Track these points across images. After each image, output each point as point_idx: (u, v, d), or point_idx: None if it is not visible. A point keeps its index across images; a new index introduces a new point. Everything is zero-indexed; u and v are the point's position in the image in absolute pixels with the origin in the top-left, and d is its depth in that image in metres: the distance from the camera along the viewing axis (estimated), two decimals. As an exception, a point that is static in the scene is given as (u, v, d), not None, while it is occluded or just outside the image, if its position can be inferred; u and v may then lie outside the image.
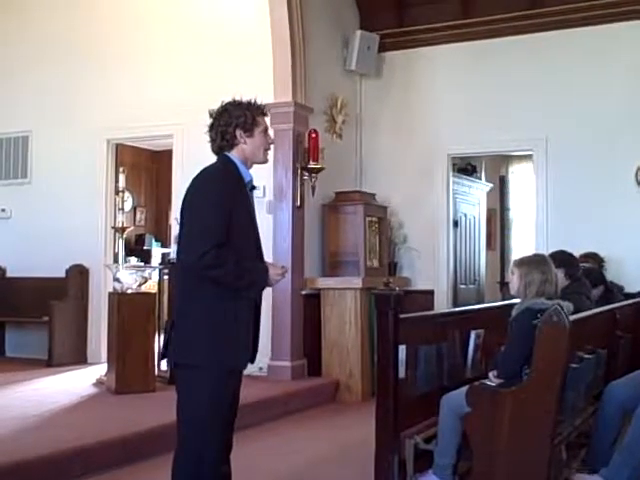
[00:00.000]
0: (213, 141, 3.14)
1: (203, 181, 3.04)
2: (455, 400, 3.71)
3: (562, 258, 4.84)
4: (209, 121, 3.16)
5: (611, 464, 3.81)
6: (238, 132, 3.09)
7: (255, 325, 3.12)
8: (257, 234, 3.15)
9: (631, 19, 7.25)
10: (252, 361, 3.14)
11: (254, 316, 3.10)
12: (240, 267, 2.94)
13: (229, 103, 3.15)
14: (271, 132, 3.28)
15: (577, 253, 5.59)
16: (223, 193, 2.98)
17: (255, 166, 3.28)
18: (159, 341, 6.67)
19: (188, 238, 2.99)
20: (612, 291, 5.88)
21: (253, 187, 3.19)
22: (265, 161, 3.23)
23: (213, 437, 2.96)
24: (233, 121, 3.08)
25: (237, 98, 3.17)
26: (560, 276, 4.64)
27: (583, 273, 5.14)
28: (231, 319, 2.97)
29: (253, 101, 3.17)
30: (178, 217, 3.20)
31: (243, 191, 3.10)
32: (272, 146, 3.33)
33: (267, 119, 3.23)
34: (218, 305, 2.96)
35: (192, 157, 7.08)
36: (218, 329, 2.96)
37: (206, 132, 3.18)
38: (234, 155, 3.11)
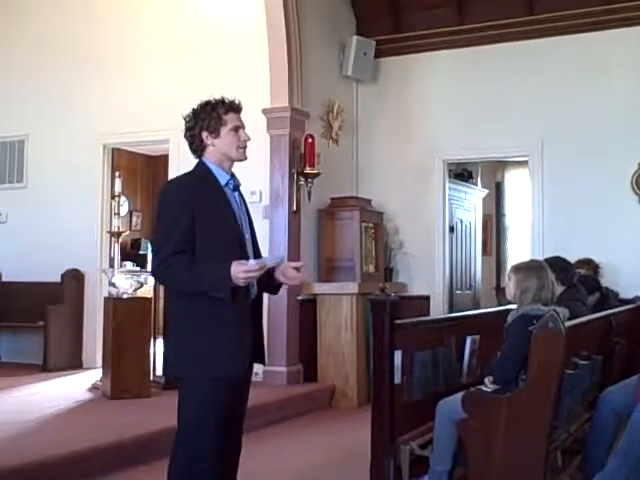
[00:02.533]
0: (189, 146, 3.14)
1: (160, 197, 3.06)
2: (451, 406, 3.71)
3: (557, 264, 4.86)
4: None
5: (606, 469, 3.82)
6: (204, 134, 3.06)
7: (256, 326, 3.10)
8: (240, 233, 3.06)
9: (627, 25, 7.28)
10: (262, 362, 3.16)
11: (253, 317, 3.08)
12: (193, 272, 2.89)
13: (198, 105, 3.12)
14: (249, 130, 3.18)
15: (573, 259, 5.61)
16: (179, 201, 2.96)
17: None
18: (154, 346, 6.67)
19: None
20: (608, 297, 5.89)
21: (236, 187, 3.14)
22: (242, 159, 3.14)
23: (204, 446, 2.92)
24: (198, 124, 3.06)
25: (210, 99, 3.13)
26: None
27: (579, 280, 5.16)
28: (213, 328, 2.93)
29: (221, 99, 3.11)
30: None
31: (218, 192, 3.05)
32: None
33: (241, 115, 3.14)
34: (201, 315, 2.94)
35: (188, 162, 6.98)
36: (201, 339, 2.93)
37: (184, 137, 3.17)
38: (208, 158, 3.09)
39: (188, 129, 3.10)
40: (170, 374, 3.10)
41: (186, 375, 2.96)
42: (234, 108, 3.11)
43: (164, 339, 3.20)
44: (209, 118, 3.05)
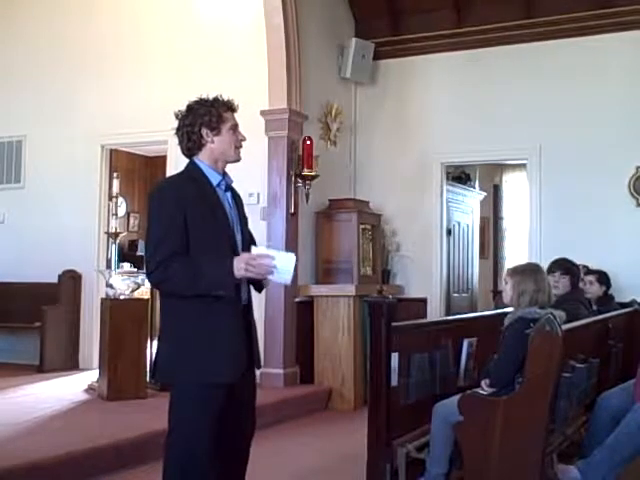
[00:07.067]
0: (181, 143, 3.05)
1: (151, 198, 2.99)
2: (447, 409, 3.71)
3: (568, 266, 4.94)
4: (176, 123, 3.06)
5: (590, 459, 3.81)
6: (204, 131, 2.98)
7: (248, 331, 3.03)
8: (231, 234, 3.00)
9: (624, 29, 7.28)
10: (258, 367, 3.11)
11: (245, 322, 3.01)
12: (193, 272, 2.82)
13: (194, 102, 3.04)
14: (242, 129, 3.13)
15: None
16: (172, 201, 2.89)
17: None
18: (151, 347, 6.66)
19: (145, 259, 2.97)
20: (612, 297, 6.00)
21: (228, 187, 3.08)
22: (237, 159, 3.09)
23: (196, 452, 2.88)
24: (198, 120, 2.96)
25: (204, 96, 3.07)
26: (565, 283, 4.76)
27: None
28: (204, 334, 2.88)
29: (219, 97, 3.05)
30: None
31: (209, 193, 2.99)
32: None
33: (236, 115, 3.09)
34: (192, 320, 2.89)
35: (186, 163, 7.06)
36: (193, 344, 2.88)
37: (174, 134, 3.08)
38: (201, 159, 3.02)
39: (185, 125, 3.00)
40: (159, 379, 3.04)
41: (176, 381, 2.94)
42: (232, 107, 3.07)
43: (158, 343, 3.11)
44: (209, 115, 2.97)
